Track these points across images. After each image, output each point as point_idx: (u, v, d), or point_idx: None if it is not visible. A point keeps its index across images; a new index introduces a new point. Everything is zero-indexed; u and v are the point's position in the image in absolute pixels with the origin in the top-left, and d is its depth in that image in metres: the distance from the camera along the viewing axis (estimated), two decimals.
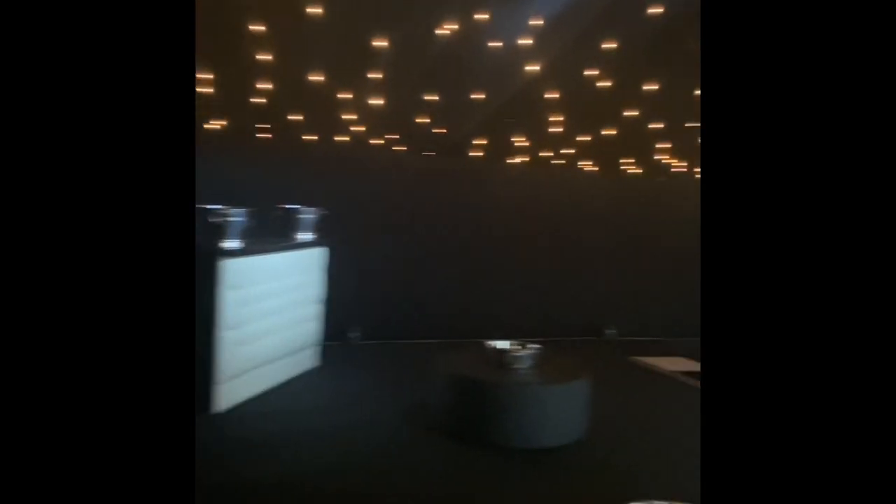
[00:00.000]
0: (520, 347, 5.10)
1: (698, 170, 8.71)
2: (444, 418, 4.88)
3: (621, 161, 8.48)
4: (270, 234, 5.85)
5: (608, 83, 5.60)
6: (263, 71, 5.42)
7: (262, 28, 4.76)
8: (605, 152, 7.84)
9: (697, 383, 6.69)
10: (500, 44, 4.90)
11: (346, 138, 7.11)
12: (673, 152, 7.94)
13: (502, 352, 5.06)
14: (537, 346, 5.13)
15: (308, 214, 6.21)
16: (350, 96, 5.87)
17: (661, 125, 6.80)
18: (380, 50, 4.87)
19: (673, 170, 8.66)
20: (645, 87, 5.71)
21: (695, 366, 7.48)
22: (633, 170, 8.76)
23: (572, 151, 7.81)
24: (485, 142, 7.55)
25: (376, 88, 5.74)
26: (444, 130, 6.99)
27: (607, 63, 5.26)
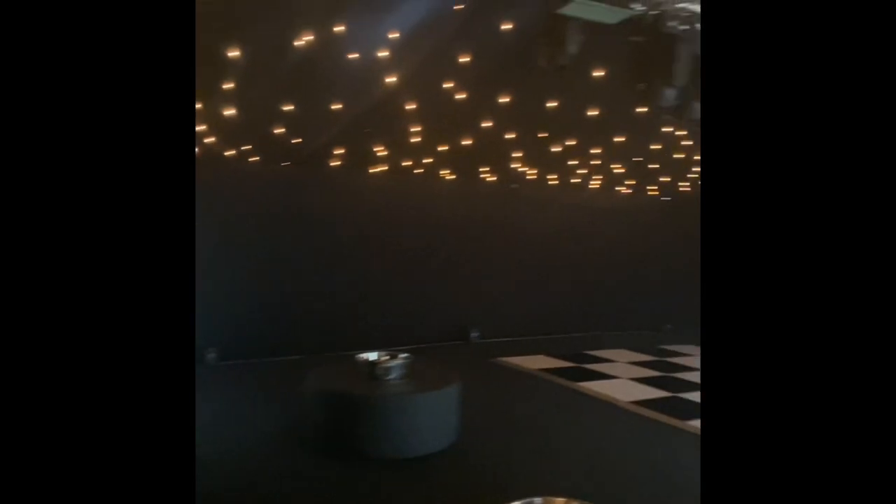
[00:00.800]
0: (389, 358, 5.10)
1: (551, 176, 9.20)
2: (316, 436, 4.76)
3: (479, 169, 8.75)
4: None
5: (464, 95, 5.76)
6: None
7: None
8: (462, 161, 8.05)
9: (559, 380, 7.06)
10: (358, 55, 4.88)
11: (197, 150, 6.75)
12: (525, 160, 8.32)
13: (373, 363, 5.04)
14: (407, 355, 5.16)
15: None
16: (200, 106, 5.58)
17: (514, 135, 7.10)
18: (233, 60, 4.67)
19: (527, 177, 9.08)
20: (499, 99, 5.93)
21: (556, 362, 7.89)
22: (489, 177, 9.07)
23: (431, 160, 7.94)
24: (343, 151, 7.49)
25: (228, 99, 5.51)
26: (300, 140, 6.84)
27: (463, 75, 5.41)
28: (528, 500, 2.68)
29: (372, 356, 5.13)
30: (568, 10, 3.85)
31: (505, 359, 7.99)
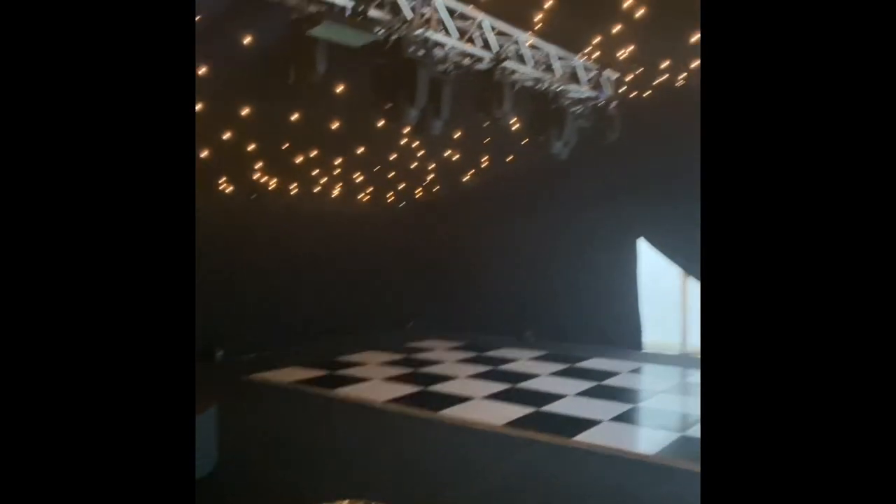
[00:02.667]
0: None
1: (292, 186, 9.18)
2: None
3: (218, 181, 8.39)
4: None
5: (200, 106, 5.53)
6: None
7: None
8: (200, 173, 7.65)
9: (315, 389, 7.11)
10: None
11: None
12: (266, 171, 8.21)
13: None
14: None
15: None
16: None
17: (254, 146, 6.98)
18: None
19: (269, 188, 8.94)
20: (241, 112, 5.81)
21: (309, 372, 7.91)
22: (227, 188, 8.74)
23: None
24: None
25: None
26: None
27: (201, 88, 5.20)
28: None
29: None
30: (316, 32, 3.96)
31: (256, 375, 7.79)
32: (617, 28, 5.59)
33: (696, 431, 5.63)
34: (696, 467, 4.69)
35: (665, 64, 6.75)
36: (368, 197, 10.60)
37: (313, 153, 7.72)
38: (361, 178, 9.34)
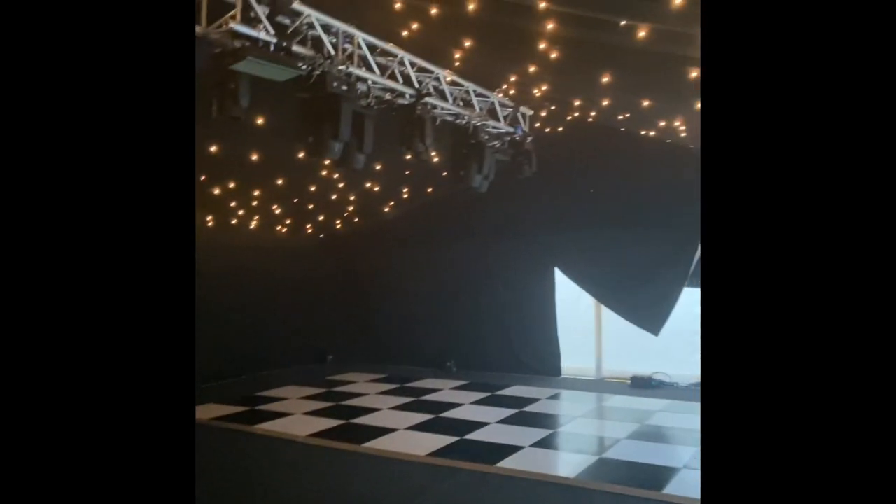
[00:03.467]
0: None
1: (207, 217, 8.95)
2: None
3: None
4: None
5: None
6: None
7: None
8: None
9: (234, 426, 6.89)
10: None
11: None
12: None
13: None
14: None
15: None
16: None
17: None
18: None
19: None
20: None
21: (228, 409, 7.66)
22: None
23: None
24: None
25: None
26: None
27: None
28: None
29: None
30: (239, 67, 3.97)
31: None
32: (532, 68, 5.87)
33: (613, 454, 5.84)
34: (614, 489, 4.88)
35: (577, 102, 7.12)
36: (286, 229, 10.48)
37: (231, 185, 7.60)
38: (280, 210, 9.25)
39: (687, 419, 6.97)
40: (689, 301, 8.47)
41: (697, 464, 5.55)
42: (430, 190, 9.55)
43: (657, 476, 5.12)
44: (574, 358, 9.34)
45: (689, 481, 5.10)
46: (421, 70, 6.00)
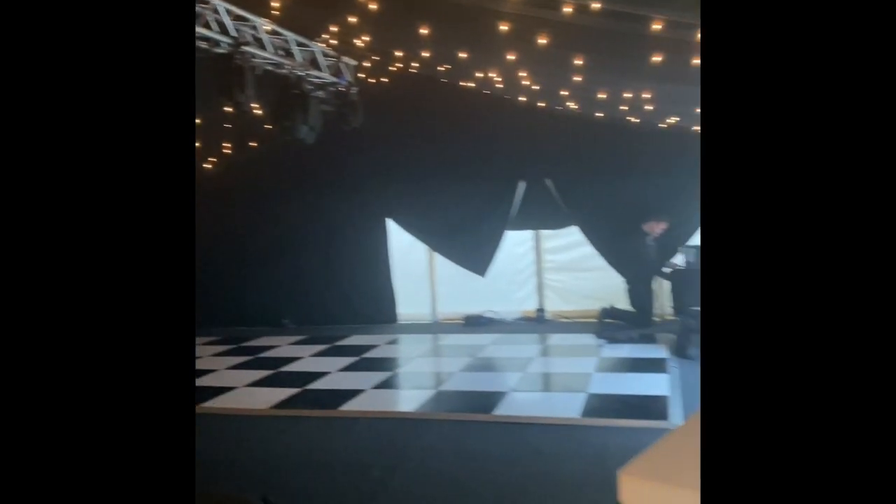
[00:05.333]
0: None
1: None
2: None
3: None
4: None
5: None
6: None
7: None
8: None
9: None
10: None
11: None
12: None
13: None
14: None
15: None
16: None
17: None
18: None
19: None
20: None
21: None
22: None
23: None
24: None
25: None
26: None
27: None
28: None
29: None
30: None
31: None
32: (352, 18, 5.89)
33: (448, 386, 6.27)
34: (450, 416, 5.29)
35: (399, 53, 7.25)
36: None
37: None
38: None
39: (513, 349, 7.62)
40: (511, 243, 9.13)
41: (523, 386, 6.14)
42: (253, 144, 9.26)
43: (488, 401, 5.61)
44: (410, 304, 9.70)
45: (516, 402, 5.65)
46: (238, 18, 5.78)
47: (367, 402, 5.79)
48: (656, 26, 3.70)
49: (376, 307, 9.61)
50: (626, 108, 6.75)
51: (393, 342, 8.54)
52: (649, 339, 7.56)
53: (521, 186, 8.76)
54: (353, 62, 7.29)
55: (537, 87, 6.86)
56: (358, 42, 6.73)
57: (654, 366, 6.49)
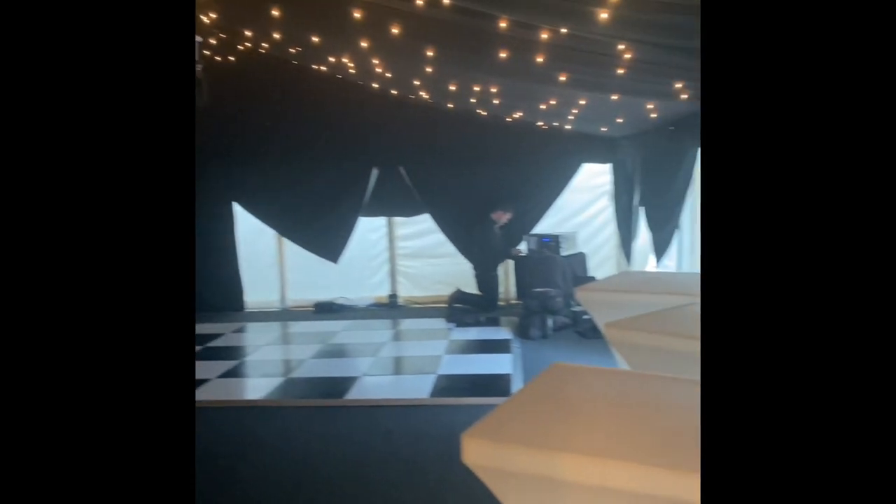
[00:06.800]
0: None
1: None
2: None
3: None
4: None
5: None
6: None
7: None
8: None
9: None
10: None
11: None
12: None
13: None
14: None
15: None
16: None
17: None
18: None
19: None
20: None
21: None
22: None
23: None
24: None
25: None
26: None
27: None
28: None
29: None
30: None
31: None
32: None
33: (298, 373, 6.22)
34: (300, 402, 5.27)
35: (248, 32, 7.01)
36: None
37: None
38: None
39: (365, 335, 7.68)
40: (364, 229, 9.18)
41: (375, 371, 6.24)
42: None
43: (339, 386, 5.64)
44: (258, 292, 9.44)
45: (367, 387, 5.73)
46: None
47: (213, 392, 5.60)
48: (503, 24, 3.90)
49: (222, 295, 9.24)
50: (475, 100, 7.02)
51: (239, 330, 8.28)
52: (495, 322, 7.96)
53: (375, 173, 8.82)
54: (198, 38, 6.93)
55: (390, 75, 6.94)
56: (204, 18, 6.41)
57: (499, 347, 6.85)
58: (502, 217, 8.40)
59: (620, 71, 4.23)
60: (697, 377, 2.27)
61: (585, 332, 6.91)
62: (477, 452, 1.76)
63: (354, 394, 5.46)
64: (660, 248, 6.71)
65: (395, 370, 6.55)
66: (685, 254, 6.58)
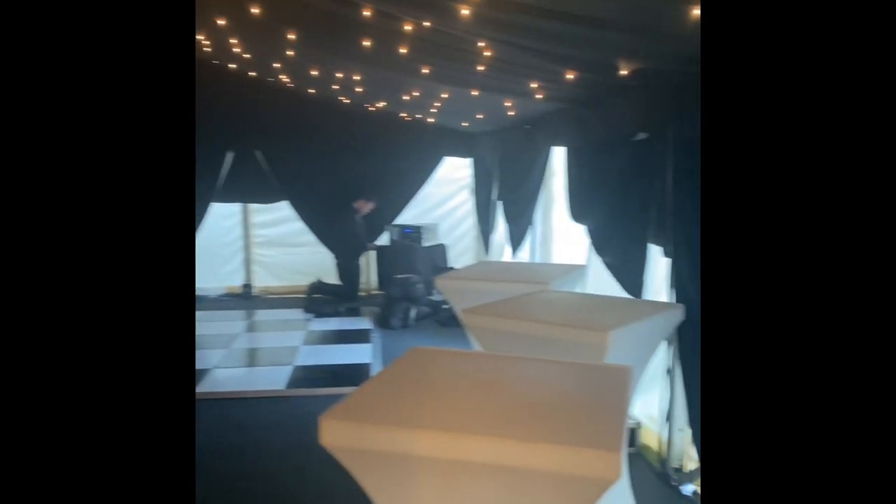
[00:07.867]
0: None
1: None
2: None
3: None
4: None
5: None
6: None
7: None
8: None
9: None
10: None
11: None
12: None
13: None
14: None
15: None
16: None
17: None
18: None
19: None
20: None
21: None
22: None
23: None
24: None
25: None
26: None
27: None
28: None
29: None
30: None
31: None
32: None
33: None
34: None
35: None
36: None
37: None
38: None
39: (217, 326, 7.36)
40: (217, 216, 8.76)
41: (227, 363, 6.00)
42: None
43: None
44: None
45: (218, 379, 5.51)
46: None
47: None
48: (366, 13, 3.89)
49: None
50: (338, 87, 6.94)
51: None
52: (356, 313, 7.93)
53: (229, 157, 8.44)
54: None
55: (248, 56, 6.67)
56: None
57: (359, 337, 6.84)
58: (365, 206, 8.37)
59: (480, 68, 4.36)
60: (546, 357, 2.44)
61: (445, 320, 7.08)
62: (334, 434, 1.76)
63: (204, 387, 5.24)
64: (515, 240, 7.02)
65: (248, 362, 6.35)
66: (537, 246, 6.92)
